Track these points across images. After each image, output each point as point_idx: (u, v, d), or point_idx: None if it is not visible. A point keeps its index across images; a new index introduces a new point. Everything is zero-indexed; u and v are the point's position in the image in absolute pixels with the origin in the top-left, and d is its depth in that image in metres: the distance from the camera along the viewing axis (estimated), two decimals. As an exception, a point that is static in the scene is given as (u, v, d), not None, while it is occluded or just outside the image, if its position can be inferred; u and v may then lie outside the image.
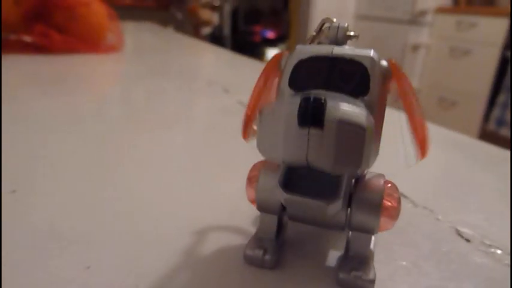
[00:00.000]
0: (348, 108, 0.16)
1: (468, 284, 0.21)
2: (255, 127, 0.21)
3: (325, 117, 0.15)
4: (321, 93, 0.16)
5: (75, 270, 0.20)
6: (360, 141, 0.16)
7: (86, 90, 0.57)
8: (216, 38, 2.67)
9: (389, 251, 0.23)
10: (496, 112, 1.89)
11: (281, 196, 0.18)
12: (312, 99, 0.15)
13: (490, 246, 0.24)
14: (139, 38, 1.17)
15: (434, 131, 0.47)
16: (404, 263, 0.22)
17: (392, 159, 0.36)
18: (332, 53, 0.18)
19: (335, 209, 0.17)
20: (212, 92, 0.60)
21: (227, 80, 0.68)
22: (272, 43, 3.02)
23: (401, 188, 0.29)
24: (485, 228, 0.26)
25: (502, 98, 1.86)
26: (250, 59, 0.89)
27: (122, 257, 0.21)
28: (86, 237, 0.23)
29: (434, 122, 0.48)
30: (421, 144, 0.19)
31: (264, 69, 0.21)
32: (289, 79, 0.19)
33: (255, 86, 0.21)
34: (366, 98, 0.18)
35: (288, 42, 2.72)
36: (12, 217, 0.24)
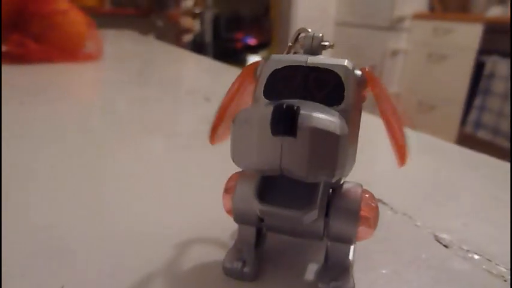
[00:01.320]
0: (321, 116, 0.16)
1: (447, 290, 0.21)
2: (224, 132, 0.21)
3: (298, 125, 0.15)
4: (294, 101, 0.16)
5: (51, 286, 0.19)
6: (333, 148, 0.16)
7: (66, 100, 0.56)
8: (197, 45, 2.66)
9: (369, 259, 0.23)
10: (472, 115, 1.94)
11: (256, 207, 0.18)
12: (284, 106, 0.15)
13: (468, 251, 0.24)
14: (120, 46, 1.16)
15: (413, 136, 0.48)
16: (384, 271, 0.22)
17: (371, 166, 0.37)
18: (306, 62, 0.19)
19: (310, 218, 0.17)
20: (193, 100, 0.60)
21: (208, 88, 0.68)
22: (254, 50, 3.03)
23: (380, 195, 0.30)
24: (463, 233, 0.26)
25: (478, 101, 1.91)
26: (232, 67, 0.89)
27: (98, 271, 0.20)
28: (60, 253, 0.22)
29: (413, 126, 0.49)
30: (400, 152, 0.19)
31: (239, 76, 0.21)
32: (264, 88, 0.19)
33: (228, 91, 0.21)
34: (340, 106, 0.18)
35: (270, 49, 2.74)
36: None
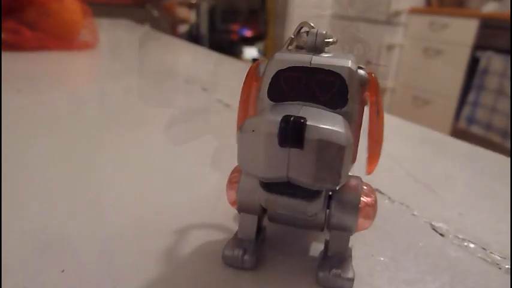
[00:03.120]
0: (328, 127, 0.16)
1: (444, 276, 0.21)
2: None
3: (305, 137, 0.16)
4: (297, 110, 0.17)
5: (50, 273, 0.19)
6: (339, 159, 0.16)
7: (61, 88, 0.56)
8: (193, 37, 2.64)
9: (367, 247, 0.23)
10: (466, 110, 1.95)
11: (261, 196, 0.18)
12: (292, 119, 0.16)
13: (463, 240, 0.24)
14: (115, 35, 1.15)
15: (410, 128, 0.48)
16: (382, 258, 0.22)
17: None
18: (310, 63, 0.19)
19: (315, 208, 0.18)
20: (190, 90, 0.59)
21: (205, 78, 0.68)
22: (249, 42, 3.01)
23: (378, 185, 0.30)
24: (458, 222, 0.27)
25: (472, 97, 1.92)
26: (228, 57, 0.88)
27: (98, 258, 0.21)
28: (61, 239, 0.22)
29: (408, 120, 0.49)
30: (372, 161, 0.21)
31: (244, 83, 0.21)
32: (268, 89, 0.19)
33: (240, 101, 0.21)
34: (344, 109, 0.18)
35: (266, 41, 2.72)
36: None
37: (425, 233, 0.25)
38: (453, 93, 1.98)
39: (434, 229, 0.26)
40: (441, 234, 0.25)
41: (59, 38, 0.75)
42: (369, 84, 0.19)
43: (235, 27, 3.06)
